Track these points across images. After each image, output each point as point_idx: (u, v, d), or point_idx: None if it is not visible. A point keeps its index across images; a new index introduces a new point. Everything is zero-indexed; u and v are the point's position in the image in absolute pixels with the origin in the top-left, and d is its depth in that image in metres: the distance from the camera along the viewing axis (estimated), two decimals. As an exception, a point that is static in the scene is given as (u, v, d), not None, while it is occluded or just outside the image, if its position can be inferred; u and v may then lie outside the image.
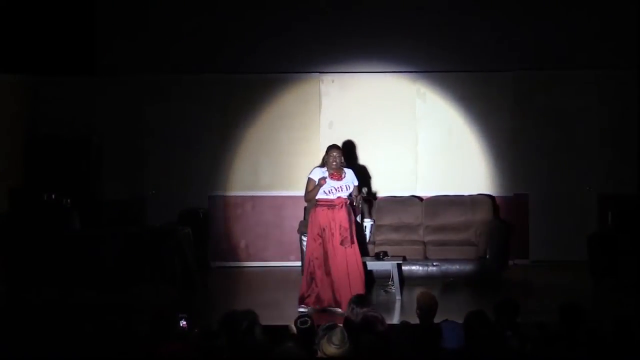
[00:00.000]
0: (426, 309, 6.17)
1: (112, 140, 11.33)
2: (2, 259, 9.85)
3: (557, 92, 11.31)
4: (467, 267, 10.05)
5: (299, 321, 6.04)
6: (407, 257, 9.99)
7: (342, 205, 8.56)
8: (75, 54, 11.31)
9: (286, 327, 7.17)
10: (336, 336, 5.47)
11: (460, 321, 5.99)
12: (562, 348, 5.52)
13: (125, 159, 11.37)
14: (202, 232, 10.82)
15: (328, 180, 8.53)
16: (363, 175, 10.70)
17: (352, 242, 8.55)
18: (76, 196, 10.37)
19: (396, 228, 10.69)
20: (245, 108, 11.38)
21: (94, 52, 11.47)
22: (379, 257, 9.57)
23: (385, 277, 9.60)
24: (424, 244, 10.41)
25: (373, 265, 9.65)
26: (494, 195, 11.18)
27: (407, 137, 11.35)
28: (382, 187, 11.25)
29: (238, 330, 5.84)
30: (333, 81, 11.40)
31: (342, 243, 8.50)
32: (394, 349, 5.68)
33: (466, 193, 11.13)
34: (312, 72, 11.39)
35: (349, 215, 8.62)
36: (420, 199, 11.11)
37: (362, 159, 11.31)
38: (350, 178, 8.64)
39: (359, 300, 6.34)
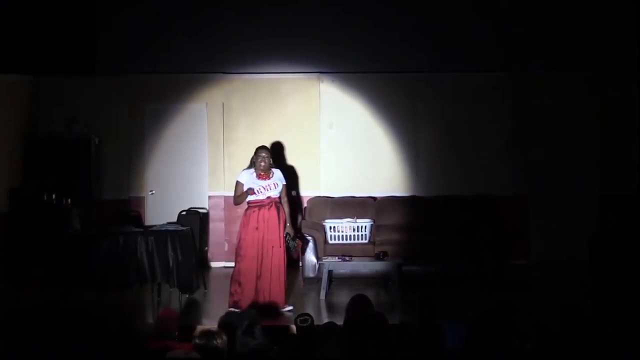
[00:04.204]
0: (426, 309, 6.16)
1: (112, 140, 11.32)
2: (2, 259, 9.86)
3: (557, 92, 11.30)
4: (466, 267, 10.03)
5: (299, 320, 6.04)
6: (407, 257, 9.97)
7: (271, 205, 8.39)
8: (75, 53, 11.31)
9: (286, 327, 7.20)
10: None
11: (461, 321, 5.99)
12: (562, 348, 5.51)
13: (125, 159, 11.36)
14: (202, 232, 10.82)
15: (256, 180, 8.37)
16: (291, 176, 10.71)
17: (280, 245, 8.35)
18: (76, 196, 10.37)
19: (396, 228, 10.67)
20: (246, 108, 11.37)
21: (94, 52, 11.47)
22: (379, 257, 9.56)
23: (386, 277, 9.59)
24: (424, 244, 10.38)
25: (373, 265, 9.65)
26: (494, 195, 11.17)
27: (407, 137, 11.34)
28: (382, 187, 11.26)
29: (238, 330, 5.85)
30: (333, 81, 11.40)
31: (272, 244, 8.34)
32: (394, 349, 5.68)
33: (466, 193, 11.13)
34: (312, 72, 11.38)
35: (279, 216, 8.40)
36: (420, 199, 11.10)
37: (363, 158, 11.31)
38: (277, 176, 8.46)
39: (359, 300, 6.33)
